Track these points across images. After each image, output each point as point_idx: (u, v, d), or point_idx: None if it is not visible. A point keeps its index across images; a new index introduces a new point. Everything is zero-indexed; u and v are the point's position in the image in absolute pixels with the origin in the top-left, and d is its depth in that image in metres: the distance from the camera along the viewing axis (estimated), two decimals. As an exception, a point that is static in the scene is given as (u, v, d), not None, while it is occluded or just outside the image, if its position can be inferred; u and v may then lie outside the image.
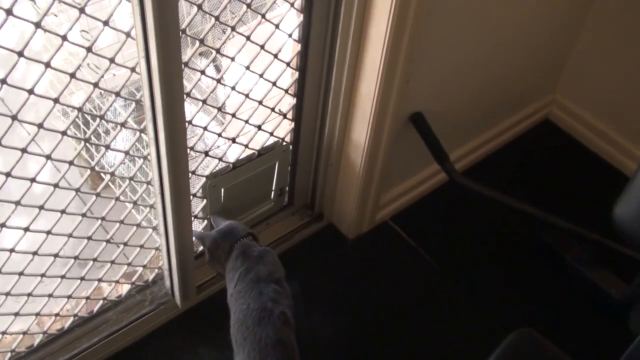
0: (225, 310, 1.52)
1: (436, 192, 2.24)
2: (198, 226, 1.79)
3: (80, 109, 1.35)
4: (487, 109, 2.23)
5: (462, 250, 2.13)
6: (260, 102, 1.67)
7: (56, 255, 1.52)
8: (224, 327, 1.50)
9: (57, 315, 1.66)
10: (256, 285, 1.48)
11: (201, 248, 1.75)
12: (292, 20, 1.59)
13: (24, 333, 1.61)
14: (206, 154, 1.65)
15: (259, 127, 1.72)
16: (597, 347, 1.91)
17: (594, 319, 1.99)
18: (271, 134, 1.76)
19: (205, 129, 1.59)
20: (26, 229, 1.40)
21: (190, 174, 1.51)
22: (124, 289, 1.78)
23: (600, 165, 2.44)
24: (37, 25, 1.10)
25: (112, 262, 1.67)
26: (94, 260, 1.62)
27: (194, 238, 1.64)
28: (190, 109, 1.42)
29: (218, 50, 1.51)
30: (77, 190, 1.44)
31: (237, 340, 1.43)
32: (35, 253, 1.46)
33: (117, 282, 1.74)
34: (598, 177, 2.41)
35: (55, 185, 1.38)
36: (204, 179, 1.66)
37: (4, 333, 1.56)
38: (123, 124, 1.45)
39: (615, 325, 1.95)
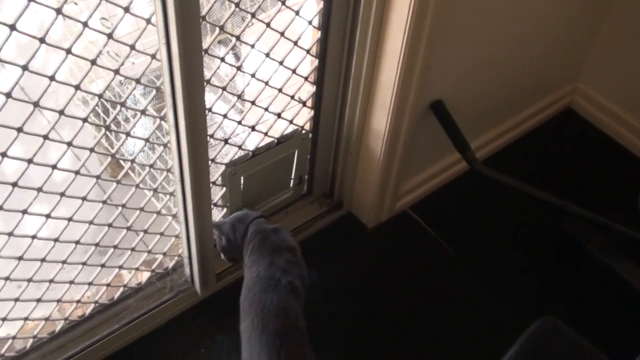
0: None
1: (456, 181, 2.23)
2: (217, 214, 1.79)
3: (100, 96, 1.35)
4: (508, 97, 2.21)
5: (481, 240, 2.12)
6: (279, 90, 1.66)
7: (77, 242, 1.53)
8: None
9: (78, 301, 1.68)
10: (269, 255, 1.51)
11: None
12: (312, 7, 1.58)
13: (46, 319, 1.63)
14: (226, 141, 1.65)
15: (279, 115, 1.71)
16: (618, 339, 1.88)
17: (615, 310, 1.97)
18: (290, 122, 1.75)
19: (225, 116, 1.59)
20: (47, 216, 1.41)
21: (209, 162, 1.51)
22: (144, 276, 1.78)
23: (622, 155, 2.41)
24: (59, 11, 1.10)
25: (132, 249, 1.68)
26: (115, 247, 1.63)
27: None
28: (209, 96, 1.42)
29: (238, 37, 1.50)
30: (98, 177, 1.45)
31: (244, 307, 1.45)
32: (56, 240, 1.47)
33: (137, 269, 1.75)
34: (620, 166, 2.38)
35: (77, 173, 1.38)
36: (223, 167, 1.66)
37: (26, 319, 1.57)
38: (143, 112, 1.45)
39: (638, 317, 1.93)
